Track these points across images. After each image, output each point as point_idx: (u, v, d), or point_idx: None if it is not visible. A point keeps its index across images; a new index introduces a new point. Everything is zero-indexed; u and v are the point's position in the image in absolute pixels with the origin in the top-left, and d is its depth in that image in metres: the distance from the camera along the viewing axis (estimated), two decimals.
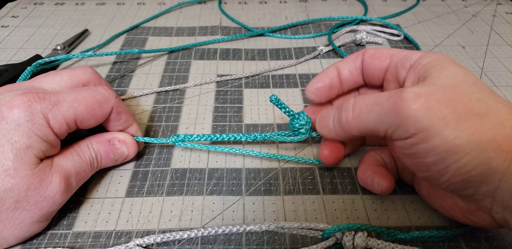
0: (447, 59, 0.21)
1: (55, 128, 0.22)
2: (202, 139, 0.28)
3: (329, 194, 0.27)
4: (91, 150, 0.25)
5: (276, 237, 0.24)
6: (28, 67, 0.33)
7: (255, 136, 0.28)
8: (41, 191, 0.22)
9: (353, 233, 0.23)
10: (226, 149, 0.29)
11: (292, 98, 0.36)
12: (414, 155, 0.20)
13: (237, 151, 0.29)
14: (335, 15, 0.50)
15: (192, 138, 0.28)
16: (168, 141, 0.28)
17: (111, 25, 0.48)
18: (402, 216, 0.25)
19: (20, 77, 0.32)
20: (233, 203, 0.26)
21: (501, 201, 0.18)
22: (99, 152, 0.26)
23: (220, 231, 0.24)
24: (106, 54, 0.38)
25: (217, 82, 0.38)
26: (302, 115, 0.27)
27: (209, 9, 0.52)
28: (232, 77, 0.38)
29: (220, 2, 0.53)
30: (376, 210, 0.26)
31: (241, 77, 0.38)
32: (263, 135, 0.28)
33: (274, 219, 0.25)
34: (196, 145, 0.29)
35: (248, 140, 0.28)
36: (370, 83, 0.26)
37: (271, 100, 0.25)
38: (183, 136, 0.28)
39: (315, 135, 0.27)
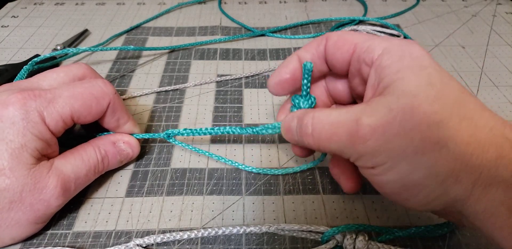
0: (408, 60, 0.19)
1: (51, 125, 0.22)
2: (195, 134, 0.28)
3: (329, 193, 0.27)
4: (97, 153, 0.25)
5: (276, 237, 0.24)
6: (24, 66, 0.33)
7: (246, 130, 0.27)
8: (36, 193, 0.21)
9: (354, 236, 0.23)
10: (223, 160, 0.29)
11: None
12: (375, 184, 0.20)
13: (234, 164, 0.29)
14: (335, 15, 0.50)
15: (185, 132, 0.28)
16: (161, 135, 0.28)
17: (111, 25, 0.48)
18: (401, 216, 0.25)
19: (17, 77, 0.32)
20: (233, 203, 0.26)
21: (467, 219, 0.18)
22: (106, 155, 0.26)
23: (220, 231, 0.24)
24: (101, 50, 0.38)
25: (217, 82, 0.38)
26: (306, 98, 0.24)
27: (209, 9, 0.52)
28: (232, 77, 0.38)
29: (220, 2, 0.53)
30: (376, 210, 0.26)
31: (241, 77, 0.38)
32: (256, 129, 0.27)
33: (274, 219, 0.25)
34: (190, 146, 0.29)
35: (241, 133, 0.27)
36: (335, 73, 0.24)
37: (304, 66, 0.23)
38: (177, 131, 0.28)
39: None
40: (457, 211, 0.18)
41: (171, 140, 0.29)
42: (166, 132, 0.28)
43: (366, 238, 0.23)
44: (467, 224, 0.19)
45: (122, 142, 0.27)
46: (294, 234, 0.24)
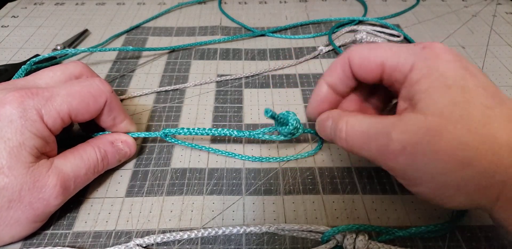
0: (434, 78, 0.19)
1: (49, 123, 0.22)
2: (192, 133, 0.28)
3: (329, 193, 0.27)
4: (97, 153, 0.25)
5: (276, 237, 0.24)
6: (22, 66, 0.33)
7: (243, 133, 0.28)
8: (35, 192, 0.21)
9: (354, 236, 0.23)
10: (220, 152, 0.29)
11: (292, 98, 0.36)
12: (410, 190, 0.21)
13: (236, 156, 0.29)
14: (335, 15, 0.50)
15: (183, 132, 0.28)
16: (158, 134, 0.28)
17: (111, 25, 0.48)
18: (402, 216, 0.25)
19: (14, 76, 0.32)
20: (233, 203, 0.26)
21: (495, 220, 0.19)
22: (106, 155, 0.26)
23: (220, 231, 0.24)
24: (100, 50, 0.38)
25: (217, 82, 0.38)
26: (292, 122, 0.26)
27: (209, 9, 0.52)
28: (232, 77, 0.38)
29: (220, 2, 0.53)
30: (376, 210, 0.26)
31: (241, 77, 0.38)
32: (253, 132, 0.28)
33: (274, 219, 0.25)
34: (187, 143, 0.29)
35: (237, 136, 0.28)
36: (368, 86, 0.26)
37: (266, 114, 0.24)
38: (174, 130, 0.28)
39: (313, 132, 0.28)
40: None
41: (167, 139, 0.29)
42: (163, 130, 0.28)
43: (366, 238, 0.22)
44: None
45: (120, 141, 0.27)
46: (294, 234, 0.24)
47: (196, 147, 0.29)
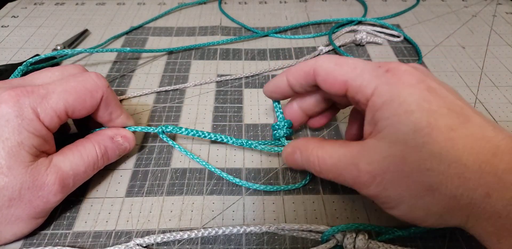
0: (396, 106, 0.19)
1: (45, 121, 0.22)
2: (190, 134, 0.28)
3: (329, 194, 0.27)
4: (97, 150, 0.25)
5: (276, 237, 0.24)
6: (18, 67, 0.33)
7: (241, 142, 0.28)
8: (34, 191, 0.21)
9: (354, 235, 0.23)
10: (198, 159, 0.29)
11: None
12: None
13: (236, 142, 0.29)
14: (335, 15, 0.50)
15: (181, 131, 0.28)
16: (156, 130, 0.28)
17: (111, 25, 0.48)
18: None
19: (10, 77, 0.32)
20: (233, 203, 0.26)
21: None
22: (106, 152, 0.26)
23: (220, 231, 0.24)
24: (98, 51, 0.38)
25: (217, 82, 0.38)
26: (282, 127, 0.28)
27: (209, 9, 0.52)
28: (232, 77, 0.38)
29: (220, 2, 0.53)
30: (376, 210, 0.26)
31: (241, 77, 0.38)
32: (249, 142, 0.28)
33: (274, 219, 0.25)
34: (182, 149, 0.29)
35: (234, 144, 0.28)
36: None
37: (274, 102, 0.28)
38: (171, 127, 0.28)
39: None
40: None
41: (162, 136, 0.29)
42: (160, 126, 0.28)
43: (366, 237, 0.22)
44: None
45: (119, 136, 0.27)
46: (294, 234, 0.24)
47: (194, 158, 0.29)
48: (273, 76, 0.39)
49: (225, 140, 0.28)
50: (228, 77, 0.38)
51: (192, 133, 0.28)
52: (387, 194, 0.20)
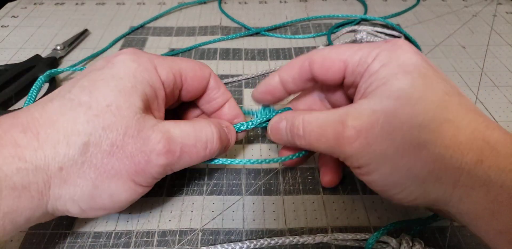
0: (394, 66, 0.19)
1: (162, 74, 0.21)
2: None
3: (329, 194, 0.27)
4: (213, 129, 0.22)
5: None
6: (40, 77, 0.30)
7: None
8: (138, 142, 0.19)
9: (410, 243, 0.22)
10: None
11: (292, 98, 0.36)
12: (364, 181, 0.21)
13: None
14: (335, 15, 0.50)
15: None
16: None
17: (111, 25, 0.48)
18: (402, 216, 0.25)
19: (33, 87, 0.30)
20: (233, 203, 0.26)
21: (456, 218, 0.19)
22: (221, 136, 0.23)
23: (265, 243, 0.23)
24: (80, 70, 0.35)
25: None
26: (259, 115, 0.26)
27: (209, 9, 0.52)
28: (232, 77, 0.38)
29: (220, 2, 0.53)
30: (376, 210, 0.26)
31: (241, 77, 0.38)
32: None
33: (274, 219, 0.25)
34: None
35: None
36: (328, 85, 0.24)
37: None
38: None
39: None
40: (444, 210, 0.19)
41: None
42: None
43: (423, 245, 0.22)
44: (458, 222, 0.20)
45: (225, 125, 0.24)
46: (348, 243, 0.24)
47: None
48: None
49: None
50: (228, 77, 0.38)
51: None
52: (369, 150, 0.18)
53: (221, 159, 0.25)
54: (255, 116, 0.26)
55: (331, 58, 0.22)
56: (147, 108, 0.21)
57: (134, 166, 0.19)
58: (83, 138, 0.18)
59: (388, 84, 0.19)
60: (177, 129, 0.21)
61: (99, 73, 0.20)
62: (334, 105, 0.26)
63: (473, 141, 0.17)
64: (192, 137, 0.21)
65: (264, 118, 0.26)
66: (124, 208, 0.21)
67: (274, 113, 0.25)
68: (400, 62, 0.19)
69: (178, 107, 0.27)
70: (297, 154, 0.25)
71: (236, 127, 0.26)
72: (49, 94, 0.20)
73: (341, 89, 0.25)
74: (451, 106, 0.18)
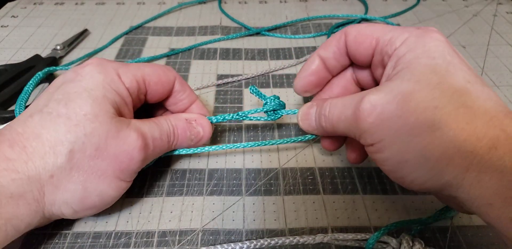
0: (420, 51, 0.19)
1: (126, 82, 0.23)
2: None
3: (329, 194, 0.27)
4: (168, 123, 0.25)
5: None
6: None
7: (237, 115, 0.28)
8: (120, 142, 0.21)
9: (410, 243, 0.22)
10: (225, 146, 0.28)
11: (292, 98, 0.36)
12: (375, 160, 0.21)
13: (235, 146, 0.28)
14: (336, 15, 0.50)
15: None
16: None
17: (110, 25, 0.48)
18: (403, 216, 0.25)
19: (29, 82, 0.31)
20: (233, 204, 0.26)
21: (466, 206, 0.18)
22: (176, 127, 0.26)
23: (265, 243, 0.23)
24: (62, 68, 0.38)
25: (217, 83, 0.38)
26: (269, 102, 0.28)
27: (209, 9, 0.52)
28: (232, 77, 0.38)
29: (220, 2, 0.53)
30: (376, 210, 0.26)
31: (241, 77, 0.38)
32: (241, 114, 0.28)
33: (275, 220, 0.25)
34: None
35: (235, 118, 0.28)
36: (359, 64, 0.25)
37: (251, 92, 0.28)
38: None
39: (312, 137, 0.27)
40: (454, 196, 0.18)
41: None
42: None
43: (423, 245, 0.22)
44: (466, 211, 0.20)
45: (193, 120, 0.27)
46: (348, 244, 0.24)
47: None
48: (273, 76, 0.39)
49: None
50: (228, 77, 0.38)
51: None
52: (383, 126, 0.19)
53: (185, 149, 0.27)
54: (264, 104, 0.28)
55: (365, 34, 0.23)
56: (119, 113, 0.23)
57: (118, 164, 0.22)
58: (68, 146, 0.20)
59: (411, 68, 0.19)
60: (144, 125, 0.23)
61: (71, 86, 0.22)
62: (366, 88, 0.27)
63: (489, 128, 0.17)
64: (158, 131, 0.24)
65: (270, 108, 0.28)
66: (111, 204, 0.23)
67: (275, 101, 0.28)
68: (426, 48, 0.19)
69: (146, 106, 0.28)
70: (301, 137, 0.28)
71: (211, 119, 0.28)
72: (27, 110, 0.22)
73: (371, 74, 0.25)
74: (470, 94, 0.18)
